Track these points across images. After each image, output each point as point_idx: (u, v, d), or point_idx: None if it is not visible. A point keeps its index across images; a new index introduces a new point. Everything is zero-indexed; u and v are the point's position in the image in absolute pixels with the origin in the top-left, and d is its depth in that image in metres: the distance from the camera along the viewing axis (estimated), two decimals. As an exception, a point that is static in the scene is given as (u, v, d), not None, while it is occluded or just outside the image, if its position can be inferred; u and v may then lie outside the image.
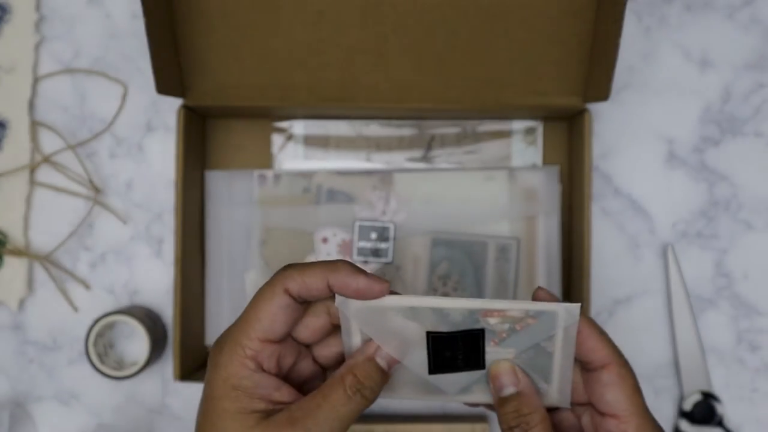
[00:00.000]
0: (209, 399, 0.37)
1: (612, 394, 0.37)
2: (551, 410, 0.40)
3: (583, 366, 0.39)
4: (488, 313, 0.37)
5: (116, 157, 0.66)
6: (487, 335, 0.38)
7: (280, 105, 0.61)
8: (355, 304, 0.38)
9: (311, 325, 0.39)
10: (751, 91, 0.64)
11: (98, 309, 0.66)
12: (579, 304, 0.37)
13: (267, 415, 0.36)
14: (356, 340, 0.39)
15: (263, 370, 0.37)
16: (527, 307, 0.37)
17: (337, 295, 0.38)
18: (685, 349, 0.63)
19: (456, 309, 0.38)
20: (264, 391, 0.37)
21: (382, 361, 0.38)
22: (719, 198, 0.64)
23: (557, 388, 0.39)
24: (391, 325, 0.38)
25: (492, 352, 0.38)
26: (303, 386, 0.40)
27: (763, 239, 0.64)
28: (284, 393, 0.38)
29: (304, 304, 0.39)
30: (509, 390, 0.38)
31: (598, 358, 0.38)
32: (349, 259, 0.63)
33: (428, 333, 0.38)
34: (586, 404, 0.39)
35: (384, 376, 0.38)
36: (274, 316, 0.37)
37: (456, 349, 0.39)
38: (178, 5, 0.58)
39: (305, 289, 0.37)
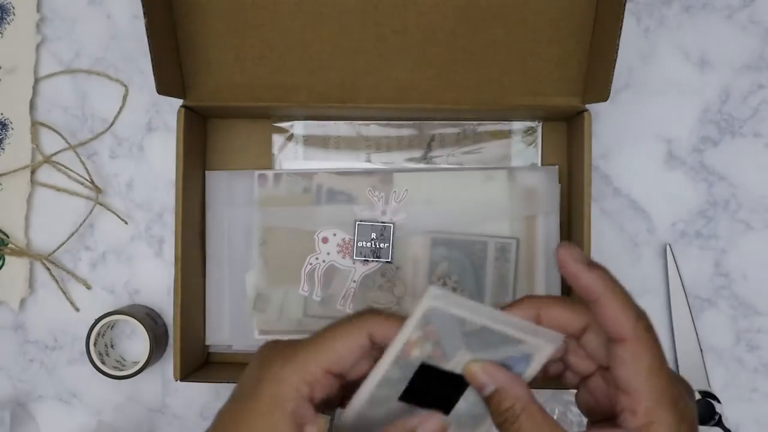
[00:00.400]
0: (255, 412, 0.36)
1: (625, 372, 0.35)
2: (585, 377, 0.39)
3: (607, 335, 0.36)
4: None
5: (117, 158, 0.67)
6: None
7: (280, 105, 0.61)
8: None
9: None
10: (750, 92, 0.65)
11: (99, 309, 0.66)
12: (562, 337, 0.37)
13: None
14: None
15: (310, 400, 0.37)
16: (521, 336, 0.37)
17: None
18: (684, 349, 0.63)
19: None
20: (300, 420, 0.36)
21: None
22: (718, 198, 0.65)
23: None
24: None
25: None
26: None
27: (761, 239, 0.64)
28: (314, 430, 0.37)
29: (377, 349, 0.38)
30: (489, 389, 0.37)
31: (614, 330, 0.35)
32: (349, 260, 0.63)
33: (422, 364, 0.38)
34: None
35: None
36: (349, 354, 0.37)
37: (436, 387, 0.38)
38: (178, 5, 0.58)
39: (389, 336, 0.37)
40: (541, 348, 0.37)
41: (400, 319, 0.37)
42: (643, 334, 0.35)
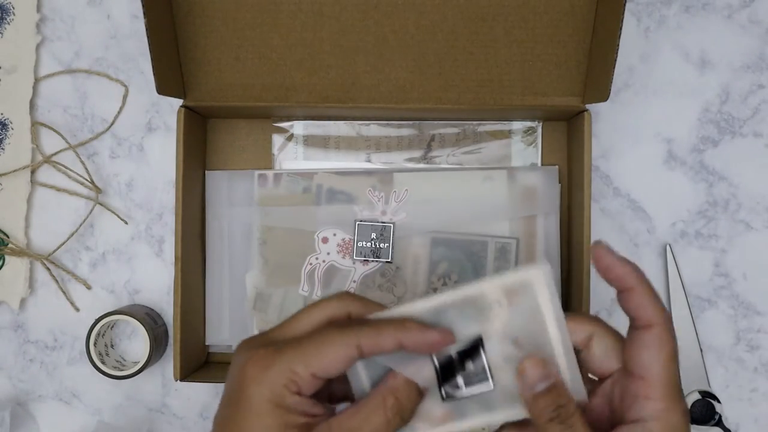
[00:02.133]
0: (248, 413, 0.37)
1: (648, 356, 0.36)
2: None
3: (630, 323, 0.38)
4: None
5: (117, 158, 0.67)
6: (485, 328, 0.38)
7: (280, 105, 0.61)
8: None
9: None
10: (750, 92, 0.65)
11: (99, 309, 0.66)
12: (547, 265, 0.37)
13: (308, 428, 0.37)
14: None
15: (302, 394, 0.38)
16: (500, 282, 0.38)
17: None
18: (684, 349, 0.64)
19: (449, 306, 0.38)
20: (303, 407, 0.37)
21: (421, 382, 0.38)
22: (718, 198, 0.65)
23: (569, 378, 0.38)
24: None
25: (495, 351, 0.39)
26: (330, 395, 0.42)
27: (761, 239, 0.64)
28: (319, 407, 0.38)
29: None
30: (542, 385, 0.37)
31: (644, 316, 0.37)
32: (349, 260, 0.63)
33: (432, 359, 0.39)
34: (609, 375, 0.39)
35: (421, 396, 0.38)
36: (336, 362, 0.37)
37: (460, 367, 0.39)
38: (178, 5, 0.58)
39: (378, 348, 0.37)
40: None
41: (383, 325, 0.38)
42: (669, 324, 0.37)
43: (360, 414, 0.37)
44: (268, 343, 0.38)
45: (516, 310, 0.38)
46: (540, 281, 0.37)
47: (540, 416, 0.37)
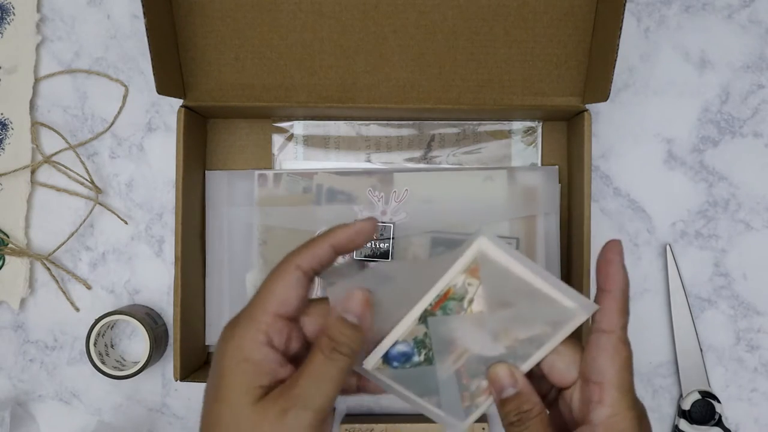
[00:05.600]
0: (219, 372, 0.39)
1: (603, 361, 0.38)
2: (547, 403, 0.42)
3: (593, 325, 0.39)
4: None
5: (117, 158, 0.67)
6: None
7: (280, 105, 0.61)
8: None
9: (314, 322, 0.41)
10: (750, 92, 0.65)
11: (99, 308, 0.66)
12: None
13: (268, 391, 0.38)
14: None
15: (272, 346, 0.39)
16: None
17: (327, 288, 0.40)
18: (684, 349, 0.64)
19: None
20: (270, 365, 0.39)
21: (350, 316, 0.39)
22: (718, 198, 0.65)
23: (556, 296, 0.39)
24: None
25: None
26: None
27: (761, 239, 0.64)
28: (287, 370, 0.39)
29: (312, 279, 0.41)
30: (509, 391, 0.39)
31: (606, 320, 0.39)
32: (348, 259, 0.63)
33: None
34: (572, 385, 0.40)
35: (357, 330, 0.39)
36: (288, 291, 0.39)
37: None
38: (178, 5, 0.58)
39: (316, 260, 0.40)
40: (572, 316, 0.39)
41: (313, 240, 0.40)
42: (626, 335, 0.39)
43: (303, 364, 0.38)
44: (231, 321, 0.40)
45: (486, 279, 0.39)
46: (488, 246, 0.38)
47: (505, 418, 0.40)
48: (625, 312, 0.39)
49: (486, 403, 0.41)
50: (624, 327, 0.39)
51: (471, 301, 0.39)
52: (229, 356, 0.39)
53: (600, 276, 0.40)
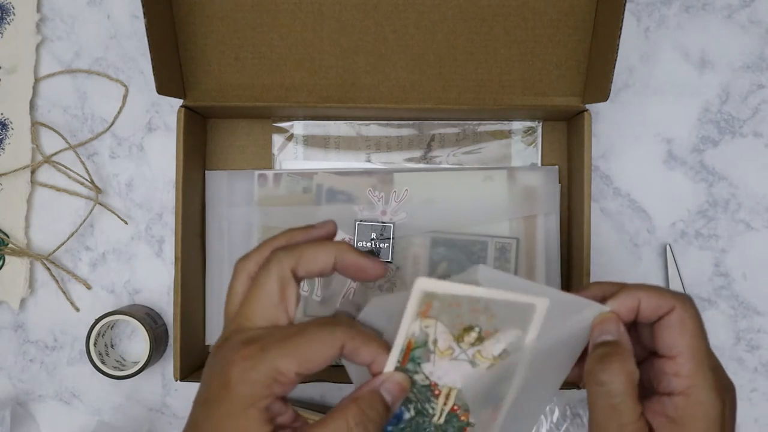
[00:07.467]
0: (226, 416, 0.36)
1: (670, 337, 0.38)
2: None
3: (656, 320, 0.39)
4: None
5: (117, 157, 0.67)
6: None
7: (280, 105, 0.61)
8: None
9: None
10: (750, 92, 0.65)
11: (99, 308, 0.66)
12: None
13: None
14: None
15: (282, 399, 0.37)
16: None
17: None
18: (684, 349, 0.63)
19: None
20: (273, 413, 0.36)
21: (387, 395, 0.38)
22: (718, 198, 0.65)
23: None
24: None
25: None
26: None
27: (761, 239, 0.64)
28: (287, 417, 0.38)
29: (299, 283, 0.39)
30: (608, 337, 0.38)
31: (663, 305, 0.38)
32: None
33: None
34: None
35: (388, 411, 0.38)
36: (321, 361, 0.36)
37: None
38: (178, 5, 0.58)
39: (354, 355, 0.38)
40: (531, 308, 0.38)
41: (374, 338, 0.38)
42: (689, 306, 0.38)
43: (322, 424, 0.36)
44: (250, 341, 0.37)
45: (439, 315, 0.38)
46: (427, 283, 0.37)
47: (590, 357, 0.38)
48: (669, 292, 0.38)
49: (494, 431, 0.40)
50: (683, 300, 0.38)
51: (435, 342, 0.38)
52: (238, 399, 0.35)
53: (642, 319, 0.39)
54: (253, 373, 0.36)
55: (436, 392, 0.39)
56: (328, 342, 0.37)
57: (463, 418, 0.40)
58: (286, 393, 0.37)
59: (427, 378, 0.39)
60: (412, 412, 0.40)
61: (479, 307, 0.38)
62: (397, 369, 0.38)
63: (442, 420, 0.40)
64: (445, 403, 0.40)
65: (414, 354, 0.38)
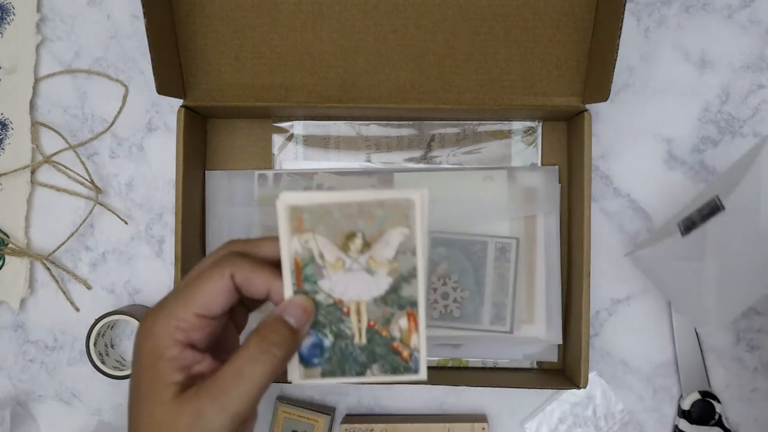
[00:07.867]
0: (137, 372, 0.37)
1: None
2: None
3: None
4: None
5: (117, 157, 0.67)
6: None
7: (280, 105, 0.61)
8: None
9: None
10: (750, 92, 0.65)
11: (99, 308, 0.66)
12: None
13: (184, 388, 0.36)
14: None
15: (190, 343, 0.37)
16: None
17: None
18: (684, 349, 0.64)
19: None
20: (185, 362, 0.37)
21: (289, 318, 0.38)
22: (718, 198, 0.65)
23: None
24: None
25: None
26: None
27: (761, 239, 0.64)
28: (205, 365, 0.38)
29: (239, 291, 0.39)
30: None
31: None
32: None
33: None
34: None
35: (294, 335, 0.38)
36: (215, 296, 0.37)
37: None
38: (178, 5, 0.58)
39: (248, 284, 0.38)
40: (411, 201, 0.37)
41: (260, 265, 0.38)
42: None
43: (228, 361, 0.36)
44: (153, 307, 0.39)
45: (314, 226, 0.37)
46: (290, 197, 0.37)
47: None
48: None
49: (422, 342, 0.39)
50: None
51: (321, 255, 0.37)
52: (145, 356, 0.37)
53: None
54: (154, 326, 0.37)
55: (345, 310, 0.38)
56: (216, 275, 0.37)
57: (384, 333, 0.39)
58: (193, 339, 0.37)
59: (329, 296, 0.38)
60: (331, 338, 0.39)
61: (352, 212, 0.37)
62: (296, 293, 0.38)
63: (364, 340, 0.39)
64: (359, 321, 0.39)
65: (306, 273, 0.38)
